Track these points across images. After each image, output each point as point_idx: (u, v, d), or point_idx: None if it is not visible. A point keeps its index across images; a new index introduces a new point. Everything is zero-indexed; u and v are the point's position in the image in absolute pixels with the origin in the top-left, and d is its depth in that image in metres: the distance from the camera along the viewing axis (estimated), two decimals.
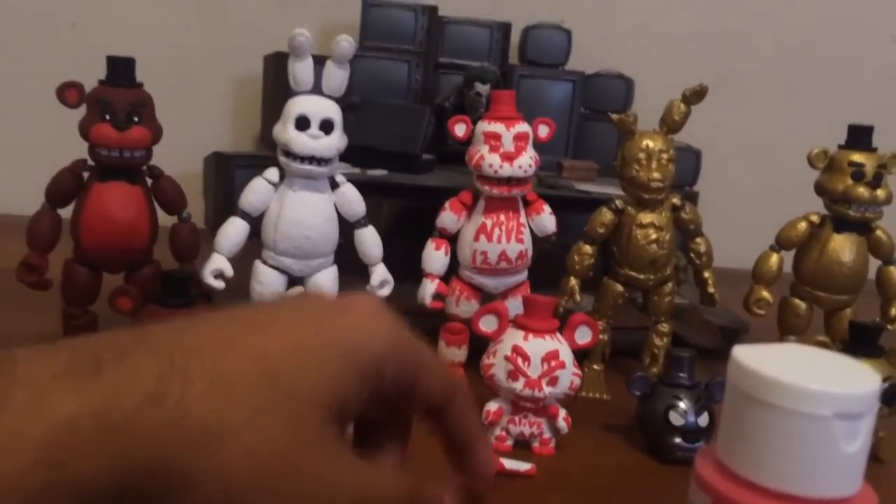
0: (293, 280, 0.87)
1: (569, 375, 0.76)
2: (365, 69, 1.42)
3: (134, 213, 0.80)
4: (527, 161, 0.83)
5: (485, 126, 0.84)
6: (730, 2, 1.66)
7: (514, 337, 0.77)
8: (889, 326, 0.97)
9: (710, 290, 0.94)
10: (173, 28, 1.53)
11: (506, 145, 0.83)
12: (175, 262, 0.86)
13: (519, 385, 0.75)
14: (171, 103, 1.57)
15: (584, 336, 0.79)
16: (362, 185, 1.15)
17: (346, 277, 0.90)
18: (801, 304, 0.96)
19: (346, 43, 0.81)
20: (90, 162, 0.80)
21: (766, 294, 0.95)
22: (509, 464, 0.73)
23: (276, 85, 1.37)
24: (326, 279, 0.87)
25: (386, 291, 0.89)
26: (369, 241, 0.88)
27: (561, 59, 1.48)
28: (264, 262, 0.86)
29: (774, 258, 0.96)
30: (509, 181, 0.84)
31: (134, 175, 0.80)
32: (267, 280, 0.85)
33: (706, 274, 0.94)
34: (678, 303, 1.20)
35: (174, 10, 1.53)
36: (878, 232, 0.95)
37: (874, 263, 0.96)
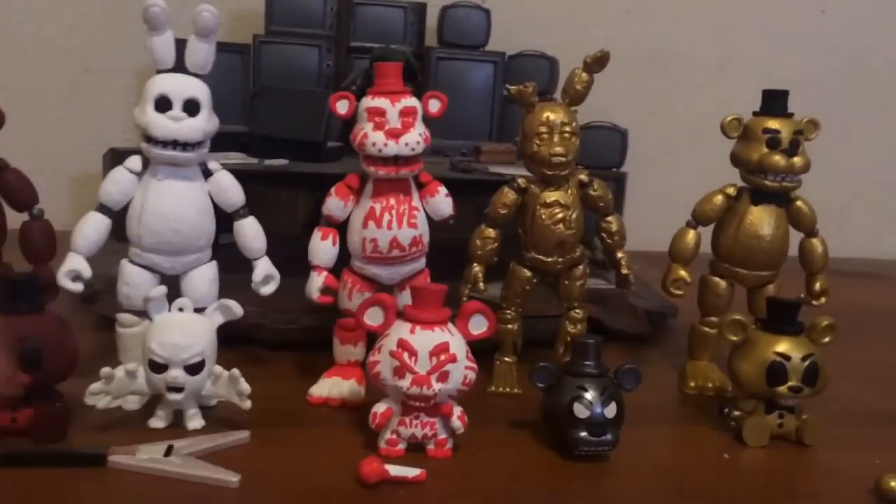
0: (164, 279, 0.79)
1: (461, 370, 0.70)
2: (273, 56, 1.35)
3: None
4: (414, 138, 0.77)
5: (368, 102, 0.77)
6: None
7: (400, 330, 0.70)
8: (814, 302, 0.92)
9: (624, 270, 0.88)
10: (70, 19, 1.44)
11: (391, 121, 0.76)
12: (29, 264, 0.77)
13: (406, 382, 0.68)
14: (69, 99, 1.51)
15: (479, 326, 0.72)
16: (260, 176, 1.09)
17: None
18: (721, 283, 0.91)
19: (208, 13, 0.73)
20: None
21: (683, 273, 0.90)
22: (395, 470, 0.66)
23: None
24: (202, 277, 0.80)
25: (271, 288, 0.82)
26: (249, 232, 0.81)
27: (481, 39, 1.42)
28: (131, 261, 0.78)
29: (691, 235, 0.90)
30: (396, 160, 0.77)
31: None
32: (134, 280, 0.77)
33: (619, 254, 0.88)
34: (603, 288, 1.14)
35: (72, 13, 1.44)
36: (799, 203, 0.90)
37: (796, 237, 0.91)
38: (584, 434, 0.71)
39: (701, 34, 1.63)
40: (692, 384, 0.90)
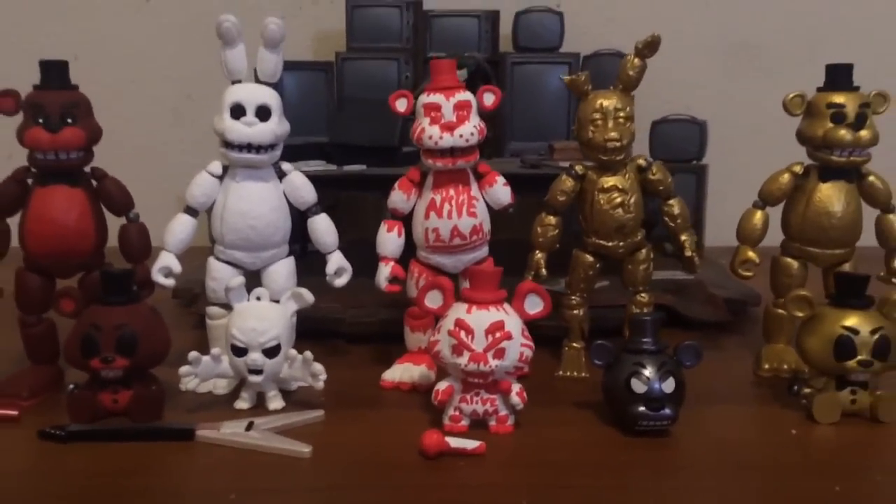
0: (247, 274, 0.85)
1: (517, 347, 0.72)
2: (355, 71, 1.42)
3: (76, 215, 0.80)
4: (469, 130, 0.80)
5: (424, 98, 0.82)
6: None
7: (458, 311, 0.73)
8: (894, 280, 0.89)
9: (688, 253, 0.88)
10: (172, 51, 1.56)
11: (446, 115, 0.80)
12: (127, 263, 0.85)
13: (464, 360, 0.72)
14: (174, 124, 1.63)
15: (534, 305, 0.75)
16: (339, 180, 1.15)
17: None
18: (793, 263, 0.89)
19: (274, 26, 0.80)
20: (34, 169, 0.80)
21: (751, 254, 0.89)
22: (455, 442, 0.70)
23: None
24: (280, 271, 0.86)
25: (343, 280, 0.87)
26: (321, 228, 0.86)
27: (555, 42, 1.44)
28: (216, 258, 0.85)
29: (758, 215, 0.90)
30: (453, 152, 0.81)
31: (74, 177, 0.81)
32: (219, 275, 0.84)
33: (683, 237, 0.89)
34: (681, 279, 1.14)
35: (172, 32, 1.56)
36: (871, 178, 0.87)
37: (872, 213, 0.89)
38: (642, 409, 0.72)
39: (786, 23, 1.59)
40: (766, 366, 0.89)
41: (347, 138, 1.18)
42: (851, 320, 0.75)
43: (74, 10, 1.56)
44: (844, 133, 0.83)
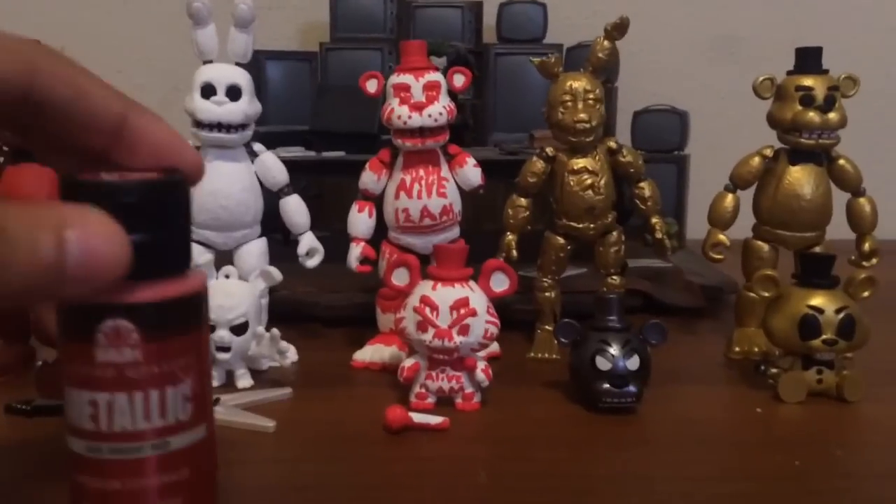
0: (219, 254, 0.85)
1: (482, 324, 0.73)
2: (339, 61, 1.43)
3: (46, 193, 0.80)
4: (437, 109, 0.81)
5: (394, 79, 0.82)
6: None
7: (423, 288, 0.74)
8: (864, 263, 0.89)
9: (658, 235, 0.88)
10: (159, 42, 1.57)
11: (416, 95, 0.81)
12: None
13: (428, 336, 0.72)
14: (162, 115, 1.64)
15: (500, 283, 0.75)
16: (318, 166, 1.16)
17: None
18: (764, 246, 0.90)
19: (244, 6, 0.80)
20: (5, 148, 0.81)
21: (722, 237, 0.89)
22: (418, 418, 0.70)
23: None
24: (252, 251, 0.86)
25: (315, 261, 0.88)
26: (292, 209, 0.87)
27: (539, 33, 1.45)
28: None
29: (729, 198, 0.90)
30: (422, 132, 0.81)
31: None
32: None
33: (654, 220, 0.89)
34: (659, 266, 1.14)
35: (160, 23, 1.57)
36: (842, 161, 0.88)
37: (842, 197, 0.89)
38: (606, 386, 0.72)
39: (769, 17, 1.60)
40: (737, 349, 0.89)
41: (327, 126, 1.19)
42: (816, 300, 0.75)
43: (60, 3, 1.57)
44: (813, 115, 0.83)
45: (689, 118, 1.36)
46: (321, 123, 1.19)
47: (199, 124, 0.81)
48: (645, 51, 1.57)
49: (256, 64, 1.36)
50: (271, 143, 1.25)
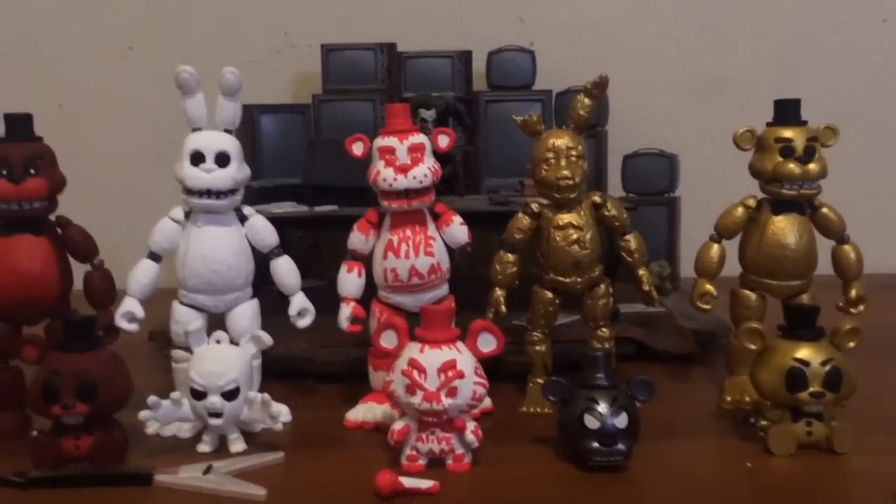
0: (213, 317, 0.86)
1: (469, 385, 0.73)
2: (331, 112, 1.44)
3: (40, 264, 0.82)
4: (422, 171, 0.82)
5: (379, 141, 0.84)
6: (701, 5, 1.61)
7: (411, 350, 0.74)
8: (852, 310, 0.90)
9: (646, 287, 0.89)
10: (154, 98, 1.59)
11: (400, 158, 0.82)
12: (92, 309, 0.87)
13: (417, 399, 0.72)
14: (157, 168, 1.66)
15: (487, 344, 0.76)
16: (310, 221, 1.17)
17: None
18: (751, 295, 0.91)
19: (231, 75, 0.82)
20: None
21: (709, 287, 0.90)
22: (409, 482, 0.70)
23: (244, 136, 1.41)
24: (244, 314, 0.87)
25: (306, 321, 0.88)
26: (283, 270, 0.88)
27: (528, 80, 1.47)
28: (180, 302, 0.86)
29: (715, 249, 0.91)
30: (407, 193, 0.82)
31: (38, 226, 0.82)
32: (183, 319, 0.85)
33: (640, 272, 0.90)
34: (652, 311, 1.15)
35: (155, 79, 1.59)
36: (825, 210, 0.89)
37: (827, 245, 0.90)
38: (595, 444, 0.73)
39: (754, 58, 1.62)
40: (728, 398, 0.90)
41: (319, 179, 1.20)
42: (802, 352, 0.76)
43: (58, 60, 1.59)
44: (793, 167, 0.85)
45: (678, 161, 1.38)
46: (313, 177, 1.21)
47: (188, 191, 0.82)
48: (633, 93, 1.58)
49: (250, 118, 1.38)
50: (265, 197, 1.27)
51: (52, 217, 0.85)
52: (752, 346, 0.78)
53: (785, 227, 0.87)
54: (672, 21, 1.61)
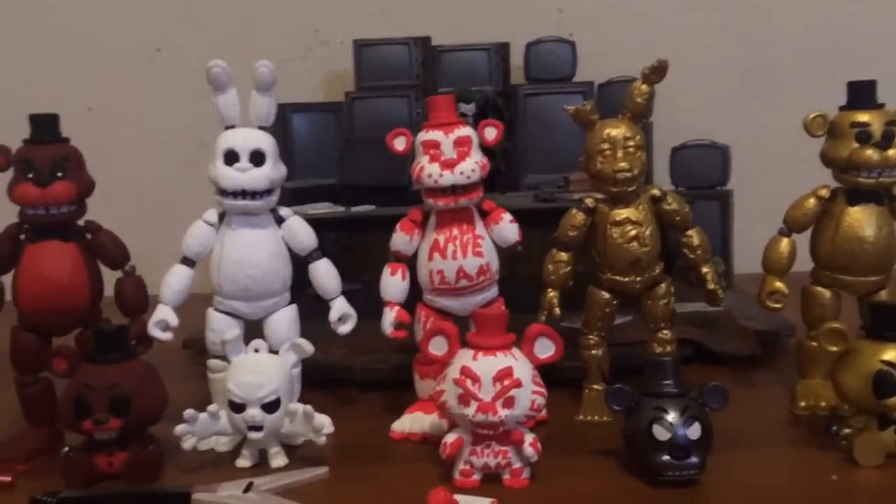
0: (249, 324, 0.82)
1: (528, 394, 0.68)
2: (365, 110, 1.40)
3: (69, 271, 0.78)
4: (470, 166, 0.77)
5: (423, 136, 0.79)
6: None
7: (463, 358, 0.69)
8: None
9: (711, 286, 0.83)
10: (183, 98, 1.56)
11: (446, 152, 0.77)
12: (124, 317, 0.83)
13: (471, 410, 0.67)
14: (188, 171, 1.63)
15: (545, 349, 0.70)
16: (347, 222, 1.12)
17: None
18: (825, 292, 0.84)
19: (265, 69, 0.78)
20: (25, 225, 0.78)
21: (779, 285, 0.84)
22: (464, 500, 0.65)
23: (277, 136, 1.37)
24: (282, 320, 0.82)
25: (348, 327, 0.84)
26: (323, 273, 0.83)
27: (568, 71, 1.41)
28: (216, 309, 0.82)
29: (784, 243, 0.85)
30: (454, 190, 0.77)
31: (67, 232, 0.78)
32: (218, 327, 0.81)
33: (704, 269, 0.84)
34: (710, 310, 1.08)
35: (184, 80, 1.56)
36: None
37: None
38: (666, 458, 0.67)
39: (805, 41, 1.54)
40: (802, 404, 0.83)
41: (355, 179, 1.16)
42: (890, 354, 0.70)
43: (87, 63, 1.57)
44: (871, 153, 0.78)
45: (729, 152, 1.31)
46: (349, 177, 1.16)
47: (223, 192, 0.78)
48: (678, 83, 1.51)
49: (282, 117, 1.33)
50: (299, 198, 1.23)
51: (80, 222, 0.81)
52: (835, 349, 0.72)
53: (862, 219, 0.81)
54: (717, 8, 1.54)
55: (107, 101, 1.57)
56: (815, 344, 0.85)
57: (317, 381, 0.91)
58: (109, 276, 0.85)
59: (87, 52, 1.56)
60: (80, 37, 1.57)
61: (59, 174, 0.76)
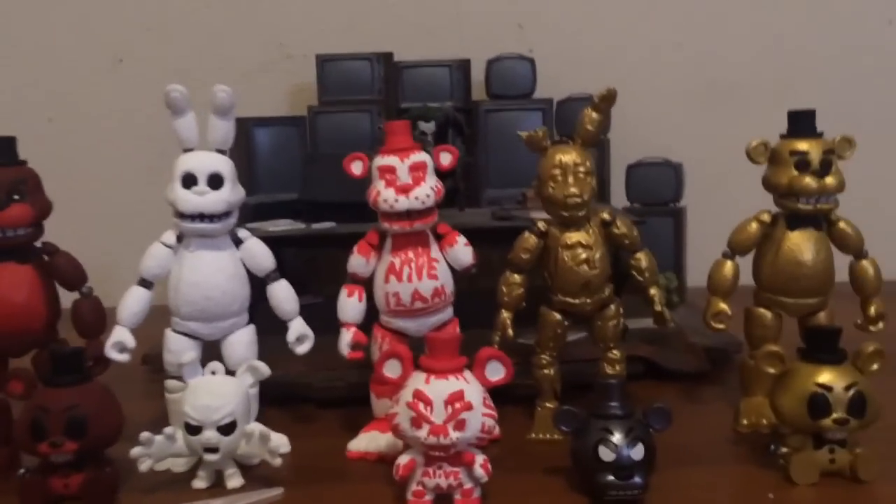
0: (205, 345, 0.83)
1: (478, 417, 0.70)
2: (327, 124, 1.41)
3: (25, 293, 0.78)
4: (425, 191, 0.79)
5: (379, 160, 0.80)
6: (704, 9, 1.58)
7: (416, 381, 0.71)
8: (871, 328, 0.86)
9: (658, 307, 0.86)
10: (149, 111, 1.55)
11: (401, 177, 0.79)
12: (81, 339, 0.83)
13: (423, 433, 0.69)
14: (150, 181, 1.62)
15: (496, 372, 0.72)
16: (308, 239, 1.13)
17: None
18: (767, 314, 0.87)
19: (223, 94, 0.79)
20: None
21: (723, 306, 0.87)
22: None
23: (239, 150, 1.37)
24: (240, 342, 0.83)
25: (305, 347, 0.85)
26: (281, 296, 0.84)
27: (528, 88, 1.44)
28: (173, 330, 0.83)
29: (728, 266, 0.88)
30: (409, 214, 0.79)
31: (23, 254, 0.79)
32: (176, 347, 0.82)
33: (651, 291, 0.86)
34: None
35: (146, 91, 1.55)
36: (842, 224, 0.85)
37: (845, 260, 0.87)
38: (611, 478, 0.69)
39: (758, 61, 1.58)
40: (745, 422, 0.86)
41: (317, 195, 1.17)
42: (824, 376, 0.73)
43: (47, 73, 1.56)
44: (809, 181, 0.81)
45: (683, 170, 1.35)
46: (311, 193, 1.17)
47: (180, 215, 0.79)
48: (636, 100, 1.55)
49: (244, 131, 1.34)
50: (260, 214, 1.23)
51: (38, 244, 0.81)
52: (772, 370, 0.75)
53: (801, 243, 0.84)
54: (674, 26, 1.58)
55: (68, 111, 1.56)
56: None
57: (275, 398, 0.92)
58: (68, 295, 0.85)
59: (47, 61, 1.55)
60: (40, 46, 1.56)
61: (16, 197, 0.77)
